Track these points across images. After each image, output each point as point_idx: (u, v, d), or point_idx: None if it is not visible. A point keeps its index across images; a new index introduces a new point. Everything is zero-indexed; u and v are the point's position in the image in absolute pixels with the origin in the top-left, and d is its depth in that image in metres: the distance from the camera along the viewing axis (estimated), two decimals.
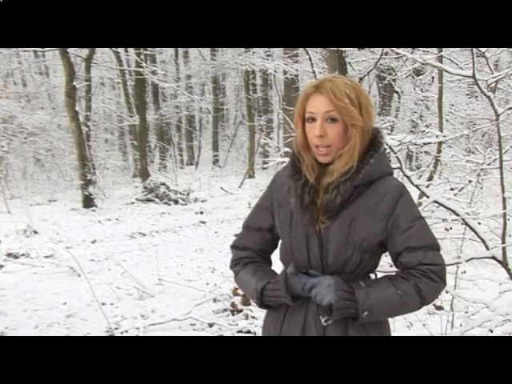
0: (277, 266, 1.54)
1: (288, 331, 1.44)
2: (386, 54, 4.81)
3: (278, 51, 13.39)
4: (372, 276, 1.45)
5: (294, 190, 1.39)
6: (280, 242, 1.52)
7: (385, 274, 1.44)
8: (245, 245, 1.55)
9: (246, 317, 4.10)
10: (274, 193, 1.50)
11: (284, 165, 1.56)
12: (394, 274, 1.41)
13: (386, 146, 2.60)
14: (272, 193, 1.51)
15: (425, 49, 4.64)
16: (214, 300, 4.55)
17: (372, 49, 6.60)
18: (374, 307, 1.31)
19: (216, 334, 3.85)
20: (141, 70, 12.69)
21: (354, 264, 1.37)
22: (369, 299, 1.30)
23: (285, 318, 1.45)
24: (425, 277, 1.33)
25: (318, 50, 8.04)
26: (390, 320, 1.51)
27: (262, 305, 1.45)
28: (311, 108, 1.35)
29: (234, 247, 1.59)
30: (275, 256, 1.58)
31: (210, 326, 3.99)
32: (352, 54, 6.76)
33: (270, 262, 1.58)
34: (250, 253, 1.54)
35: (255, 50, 12.33)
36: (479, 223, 3.04)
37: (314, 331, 1.39)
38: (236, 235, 1.61)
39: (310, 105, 1.35)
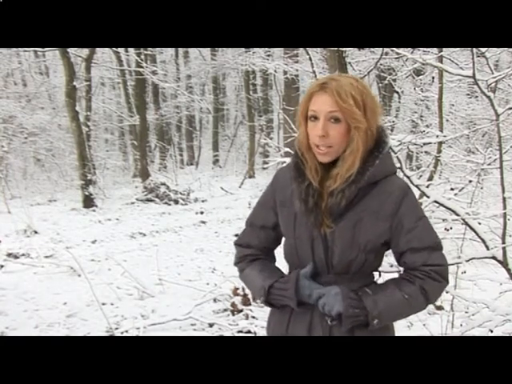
0: (280, 261, 1.54)
1: (294, 330, 1.44)
2: (386, 53, 4.80)
3: (278, 51, 13.37)
4: (376, 274, 1.46)
5: (298, 192, 1.37)
6: (284, 240, 1.51)
7: (384, 272, 1.44)
8: (249, 242, 1.55)
9: (246, 317, 4.10)
10: (277, 191, 1.48)
11: (285, 164, 1.55)
12: (398, 276, 1.41)
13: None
14: (274, 191, 1.49)
15: (425, 49, 4.65)
16: (215, 300, 4.55)
17: (372, 49, 6.59)
18: (383, 314, 1.32)
19: (216, 334, 3.84)
20: (141, 70, 12.67)
21: (359, 264, 1.36)
22: (377, 307, 1.31)
23: (291, 317, 1.45)
24: (429, 278, 1.35)
25: (318, 49, 8.03)
26: None
27: (266, 302, 1.45)
28: (314, 106, 1.32)
29: (237, 244, 1.59)
30: (278, 253, 1.59)
31: (211, 326, 3.99)
32: (352, 54, 6.75)
33: (274, 259, 1.59)
34: (254, 250, 1.54)
35: (255, 49, 12.30)
36: (479, 223, 3.04)
37: (320, 331, 1.39)
38: (237, 235, 1.61)
39: (314, 103, 1.32)
